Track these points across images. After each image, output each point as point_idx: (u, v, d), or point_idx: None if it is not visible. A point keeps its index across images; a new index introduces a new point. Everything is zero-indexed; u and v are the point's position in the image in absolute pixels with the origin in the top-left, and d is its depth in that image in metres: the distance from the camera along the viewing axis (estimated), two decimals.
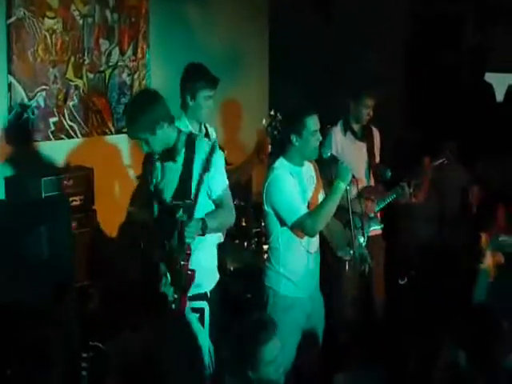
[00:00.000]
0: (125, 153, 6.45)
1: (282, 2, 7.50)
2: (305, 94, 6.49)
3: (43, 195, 5.50)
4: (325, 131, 4.47)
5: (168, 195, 4.15)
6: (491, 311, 3.47)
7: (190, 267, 4.02)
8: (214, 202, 4.09)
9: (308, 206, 4.33)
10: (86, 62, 6.14)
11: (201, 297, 4.12)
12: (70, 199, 5.61)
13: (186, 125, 4.74)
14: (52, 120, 5.98)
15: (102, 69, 6.28)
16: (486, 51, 7.29)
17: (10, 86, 5.68)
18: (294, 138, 4.27)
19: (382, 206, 5.47)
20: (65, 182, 5.66)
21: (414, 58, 7.45)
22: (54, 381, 2.58)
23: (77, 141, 6.18)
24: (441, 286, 5.83)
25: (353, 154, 5.15)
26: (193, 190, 4.03)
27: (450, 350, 3.34)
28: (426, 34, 7.40)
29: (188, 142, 4.10)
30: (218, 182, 4.05)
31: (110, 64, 6.33)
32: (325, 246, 4.85)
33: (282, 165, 4.33)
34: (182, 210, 3.93)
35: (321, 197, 4.46)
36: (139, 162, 4.39)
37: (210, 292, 4.18)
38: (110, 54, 6.31)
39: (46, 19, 5.83)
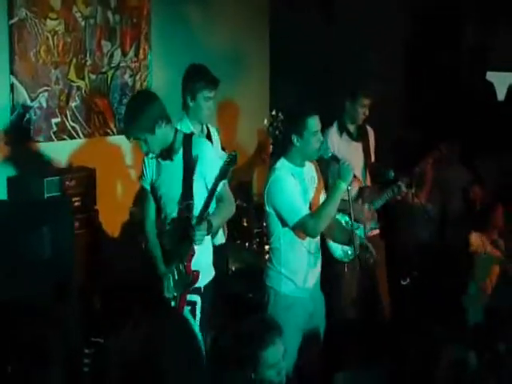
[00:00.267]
0: (127, 153, 6.47)
1: (283, 3, 7.51)
2: (306, 95, 6.49)
3: (45, 195, 5.51)
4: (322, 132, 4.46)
5: (163, 193, 4.20)
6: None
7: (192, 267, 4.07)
8: (216, 195, 4.13)
9: (310, 207, 4.34)
10: (87, 63, 6.16)
11: (195, 290, 4.16)
12: (73, 199, 5.63)
13: (188, 126, 4.77)
14: (54, 121, 6.00)
15: (103, 70, 6.30)
16: (486, 51, 7.29)
17: (12, 86, 5.70)
18: (295, 138, 4.28)
19: (379, 205, 5.46)
20: (67, 183, 5.67)
21: (414, 58, 7.45)
22: (57, 377, 2.61)
23: (79, 141, 6.20)
24: (443, 287, 5.83)
25: (349, 155, 5.14)
26: (196, 188, 4.08)
27: (455, 349, 3.35)
28: (426, 33, 7.40)
29: (185, 141, 4.14)
30: (216, 174, 4.06)
31: (112, 65, 6.35)
32: (325, 246, 4.87)
33: (283, 165, 4.33)
34: (191, 214, 3.99)
35: (322, 197, 4.47)
36: (141, 162, 4.41)
37: (204, 287, 4.22)
38: (111, 55, 6.33)
39: (48, 20, 5.85)
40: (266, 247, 5.67)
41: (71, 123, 6.11)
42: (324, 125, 4.58)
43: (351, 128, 5.57)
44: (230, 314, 5.49)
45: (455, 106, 7.05)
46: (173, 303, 4.17)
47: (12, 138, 5.75)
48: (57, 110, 6.00)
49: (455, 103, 7.09)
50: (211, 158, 4.15)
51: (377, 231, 5.63)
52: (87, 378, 4.65)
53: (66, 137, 6.09)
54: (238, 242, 6.34)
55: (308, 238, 4.32)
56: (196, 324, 4.12)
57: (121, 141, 6.38)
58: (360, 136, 5.63)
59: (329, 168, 4.86)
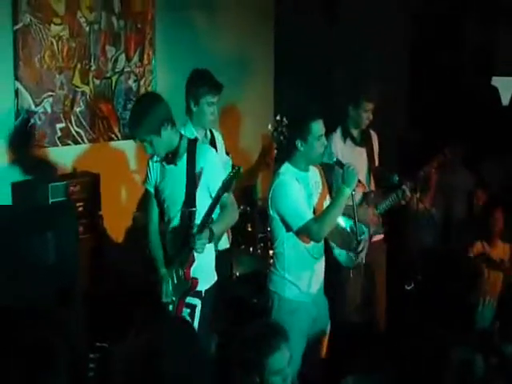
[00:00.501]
0: (131, 159, 6.47)
1: (288, 8, 7.51)
2: (310, 100, 6.49)
3: (50, 201, 5.52)
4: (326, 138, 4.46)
5: (167, 196, 4.21)
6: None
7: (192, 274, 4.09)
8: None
9: (314, 212, 4.34)
10: (92, 69, 6.17)
11: (196, 294, 4.17)
12: (77, 204, 5.63)
13: (192, 131, 4.77)
14: (59, 126, 6.01)
15: (108, 75, 6.30)
16: (489, 52, 7.28)
17: (16, 92, 5.71)
18: (299, 143, 4.28)
19: (383, 210, 5.45)
20: (71, 188, 5.68)
21: (420, 62, 7.46)
22: (61, 382, 2.61)
23: (83, 147, 6.21)
24: (447, 291, 5.82)
25: (353, 160, 5.11)
26: (199, 195, 4.08)
27: (461, 352, 3.34)
28: (430, 35, 7.40)
29: (190, 147, 4.14)
30: (219, 185, 4.06)
31: (117, 70, 6.36)
32: (329, 251, 4.86)
33: (287, 170, 4.33)
34: (193, 222, 4.00)
35: (326, 202, 4.46)
36: (145, 167, 4.42)
37: (205, 291, 4.22)
38: (116, 61, 6.33)
39: (52, 26, 5.86)
40: (271, 252, 5.66)
41: (76, 128, 6.12)
42: (328, 129, 4.57)
43: (355, 133, 5.55)
44: (234, 318, 5.49)
45: (459, 111, 7.04)
46: (171, 307, 4.18)
47: (17, 144, 5.76)
48: (61, 116, 6.01)
49: (460, 107, 7.08)
50: (215, 167, 4.15)
51: (381, 236, 5.62)
52: (92, 383, 4.65)
53: (70, 142, 6.10)
54: (243, 247, 6.34)
55: (312, 243, 4.32)
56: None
57: (125, 146, 6.40)
58: (364, 141, 5.61)
59: (333, 173, 4.85)
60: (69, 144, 6.09)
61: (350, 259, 5.20)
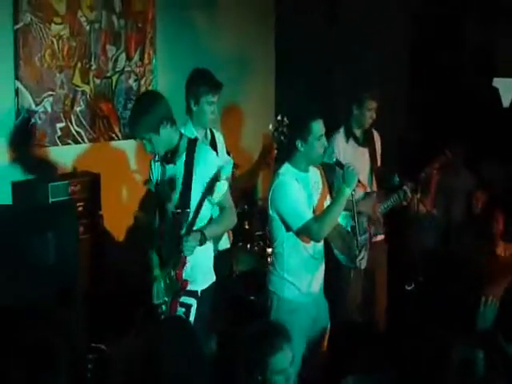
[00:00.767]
0: (131, 158, 6.47)
1: (288, 7, 7.51)
2: (311, 99, 6.49)
3: (50, 200, 5.52)
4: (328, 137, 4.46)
5: (166, 196, 4.18)
6: None
7: (184, 276, 4.07)
8: (217, 205, 4.12)
9: (314, 212, 4.33)
10: (92, 68, 6.17)
11: (191, 293, 4.15)
12: (77, 204, 5.63)
13: (192, 131, 4.76)
14: (59, 125, 6.01)
15: (108, 74, 6.31)
16: (490, 53, 7.28)
17: (17, 91, 5.71)
18: (299, 143, 4.27)
19: (384, 210, 5.46)
20: (72, 188, 5.68)
21: (419, 60, 7.45)
22: (60, 383, 2.61)
23: (84, 146, 6.21)
24: (448, 292, 5.82)
25: (356, 160, 5.11)
26: (193, 196, 4.06)
27: (462, 350, 3.33)
28: (430, 35, 7.40)
29: (189, 147, 4.13)
30: (218, 186, 4.05)
31: (117, 69, 6.36)
32: (330, 251, 4.85)
33: (287, 170, 4.33)
34: (183, 223, 3.98)
35: (326, 202, 4.46)
36: (146, 167, 4.41)
37: (202, 291, 4.19)
38: (116, 60, 6.34)
39: (53, 25, 5.86)
40: (269, 250, 5.66)
41: (76, 128, 6.12)
42: (329, 129, 4.56)
43: (358, 133, 5.55)
44: (234, 318, 5.48)
45: (460, 112, 7.04)
46: (163, 308, 4.16)
47: (17, 143, 5.76)
48: (61, 115, 6.01)
49: (460, 108, 7.08)
50: (211, 169, 4.03)
51: (382, 236, 5.62)
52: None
53: (70, 141, 6.10)
54: (240, 244, 6.32)
55: (312, 243, 4.32)
56: None
57: (125, 146, 6.40)
58: (366, 141, 5.61)
59: (333, 173, 4.85)
60: (69, 143, 6.09)
61: (351, 262, 5.20)
